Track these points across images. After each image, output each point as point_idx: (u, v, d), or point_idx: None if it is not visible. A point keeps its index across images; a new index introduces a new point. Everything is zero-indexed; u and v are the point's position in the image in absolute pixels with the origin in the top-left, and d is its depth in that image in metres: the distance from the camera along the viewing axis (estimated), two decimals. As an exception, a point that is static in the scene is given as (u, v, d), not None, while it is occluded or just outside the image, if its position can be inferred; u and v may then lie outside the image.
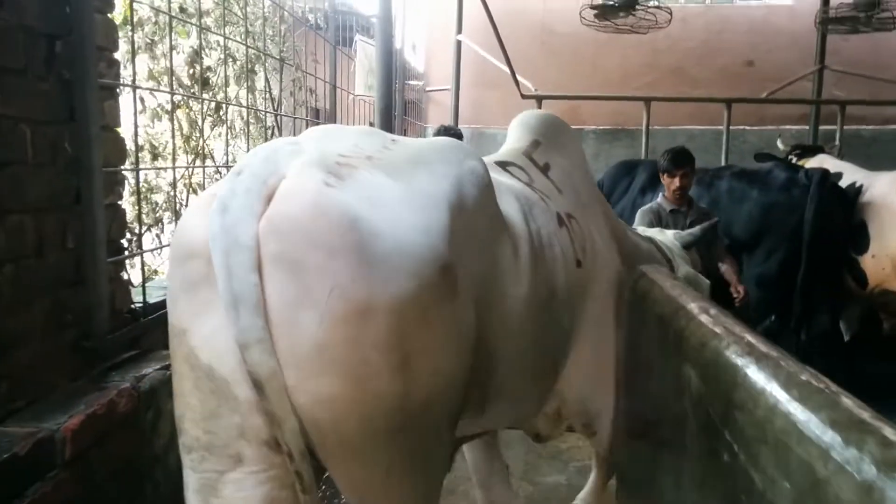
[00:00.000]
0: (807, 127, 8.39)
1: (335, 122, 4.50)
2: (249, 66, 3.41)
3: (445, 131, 6.21)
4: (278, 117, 3.77)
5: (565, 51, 9.38)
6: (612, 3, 5.73)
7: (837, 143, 7.06)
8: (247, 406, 1.25)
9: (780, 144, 7.00)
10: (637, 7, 5.79)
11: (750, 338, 1.39)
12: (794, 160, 6.33)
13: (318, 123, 4.57)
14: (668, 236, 3.55)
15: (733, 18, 9.35)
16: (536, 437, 2.47)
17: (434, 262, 1.33)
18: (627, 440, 2.33)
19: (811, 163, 6.06)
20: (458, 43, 8.55)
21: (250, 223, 1.24)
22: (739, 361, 1.31)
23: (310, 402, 1.23)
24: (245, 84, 3.45)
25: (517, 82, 6.74)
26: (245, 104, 3.36)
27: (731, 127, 8.49)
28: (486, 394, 1.72)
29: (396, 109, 6.34)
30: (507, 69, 7.04)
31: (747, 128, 8.92)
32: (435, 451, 1.48)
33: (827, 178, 4.96)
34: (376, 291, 1.24)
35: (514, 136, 2.61)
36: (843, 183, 5.34)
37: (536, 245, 1.90)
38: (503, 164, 2.30)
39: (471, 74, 9.06)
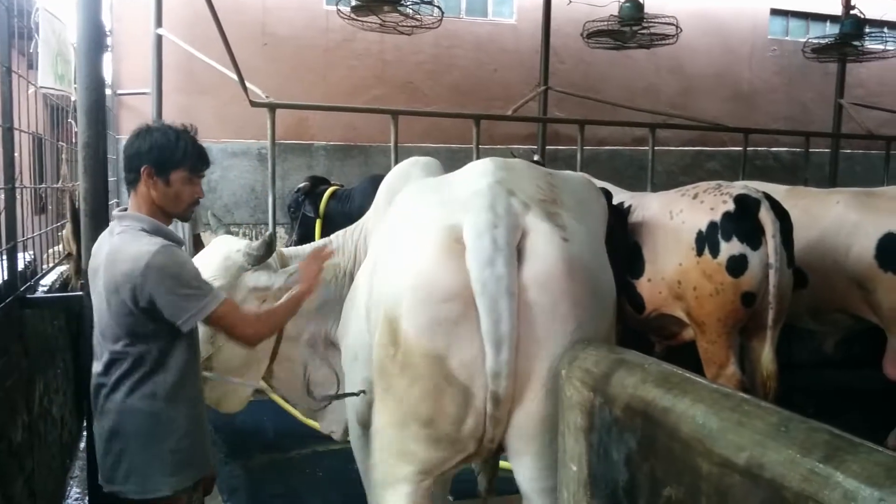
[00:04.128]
0: (533, 146, 8.44)
1: (16, 128, 2.98)
2: None
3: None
4: None
5: (289, 57, 8.37)
6: (376, -9, 4.91)
7: (538, 157, 7.15)
8: (482, 415, 1.72)
9: (518, 162, 6.81)
10: (402, 3, 5.06)
11: None
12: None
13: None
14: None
15: (461, 34, 9.15)
16: None
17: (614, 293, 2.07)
18: None
19: (568, 182, 5.86)
20: (159, 38, 7.09)
21: (514, 275, 1.66)
22: None
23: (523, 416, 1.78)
24: None
25: (245, 88, 5.57)
26: None
27: (461, 146, 8.28)
28: None
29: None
30: (226, 72, 5.85)
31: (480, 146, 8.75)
32: None
33: (610, 199, 4.67)
34: (599, 326, 1.82)
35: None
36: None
37: None
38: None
39: (175, 77, 7.61)
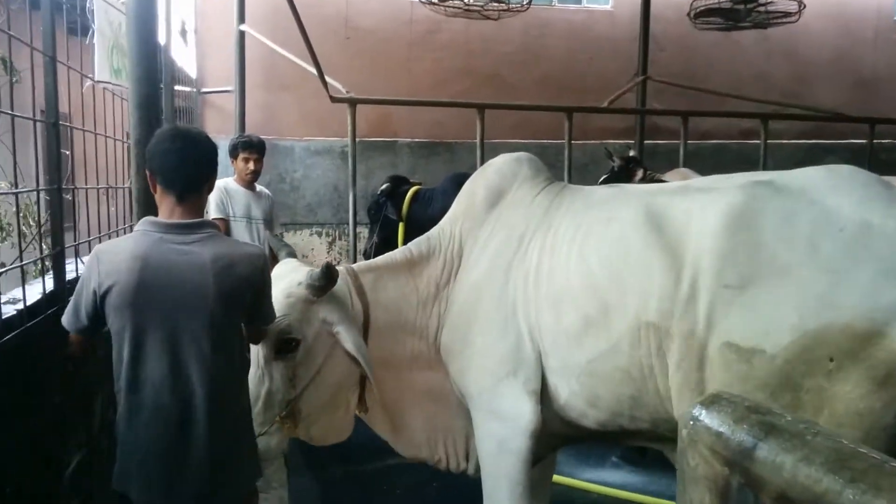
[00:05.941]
0: (630, 141, 7.87)
1: (63, 124, 2.78)
2: None
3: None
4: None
5: (371, 51, 8.13)
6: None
7: (634, 152, 6.67)
8: None
9: (615, 159, 6.31)
10: (487, -18, 4.69)
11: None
12: (650, 174, 5.61)
13: (35, 124, 2.79)
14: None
15: (553, 22, 8.67)
16: None
17: None
18: None
19: (671, 175, 5.37)
20: (241, 35, 6.98)
21: None
22: None
23: None
24: None
25: (325, 83, 5.32)
26: None
27: (552, 141, 7.82)
28: None
29: (165, 111, 4.60)
30: (307, 67, 5.62)
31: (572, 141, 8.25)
32: None
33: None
34: None
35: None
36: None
37: None
38: None
39: (258, 74, 7.52)
